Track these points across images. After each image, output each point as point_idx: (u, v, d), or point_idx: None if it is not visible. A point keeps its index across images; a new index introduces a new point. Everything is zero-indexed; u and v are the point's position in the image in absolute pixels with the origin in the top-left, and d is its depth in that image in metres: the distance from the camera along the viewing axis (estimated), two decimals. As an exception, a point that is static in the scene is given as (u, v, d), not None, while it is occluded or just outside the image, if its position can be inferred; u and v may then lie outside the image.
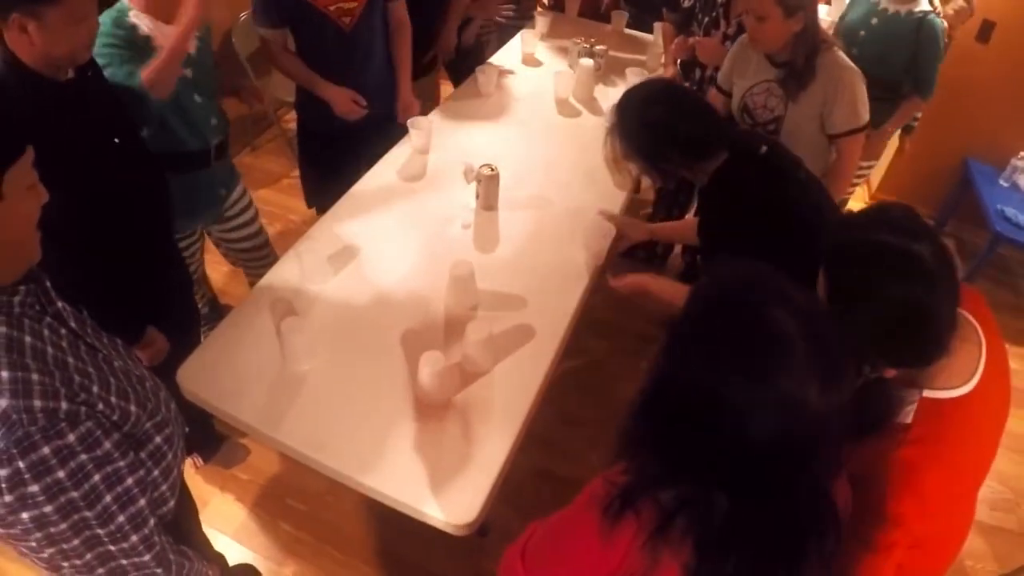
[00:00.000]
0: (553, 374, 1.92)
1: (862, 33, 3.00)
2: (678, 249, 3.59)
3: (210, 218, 2.48)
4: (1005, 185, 3.81)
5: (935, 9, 2.89)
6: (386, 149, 2.64)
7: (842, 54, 2.26)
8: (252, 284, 2.65)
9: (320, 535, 2.45)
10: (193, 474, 2.58)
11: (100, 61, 1.86)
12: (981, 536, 2.72)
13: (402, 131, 2.68)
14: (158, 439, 1.30)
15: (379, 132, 2.72)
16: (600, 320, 3.20)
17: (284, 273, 2.09)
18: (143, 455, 1.25)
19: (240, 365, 1.82)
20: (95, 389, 1.13)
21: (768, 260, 0.99)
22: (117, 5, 2.00)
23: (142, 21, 1.99)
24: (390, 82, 2.80)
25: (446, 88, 3.55)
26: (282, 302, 1.98)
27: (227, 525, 2.47)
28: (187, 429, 1.48)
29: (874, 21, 2.98)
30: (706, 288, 1.01)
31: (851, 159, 2.36)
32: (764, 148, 1.87)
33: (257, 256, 2.70)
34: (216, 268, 3.37)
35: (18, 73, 1.58)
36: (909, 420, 1.24)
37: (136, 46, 1.96)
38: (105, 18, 1.92)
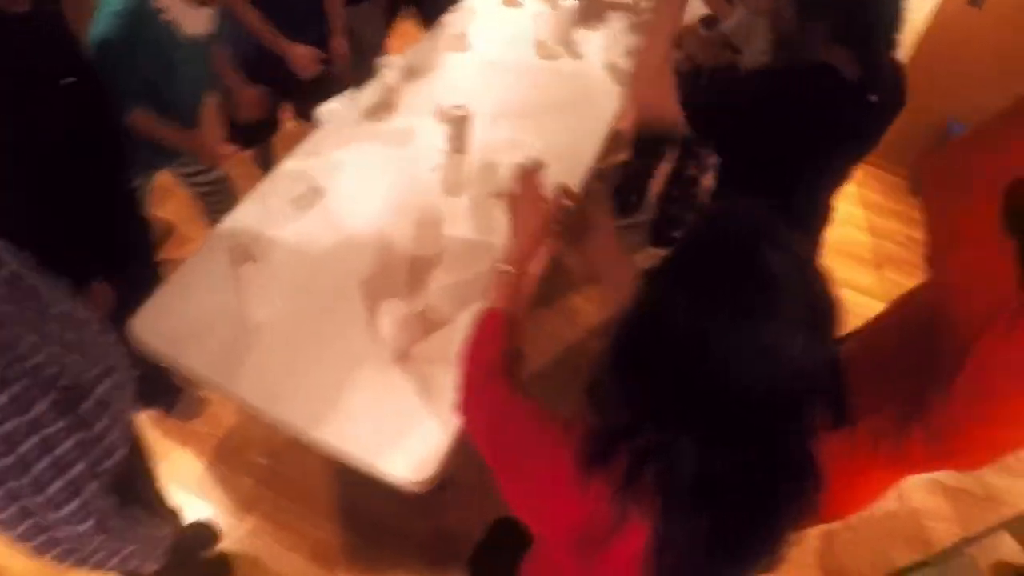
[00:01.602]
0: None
1: None
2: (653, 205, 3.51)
3: (168, 164, 2.37)
4: (988, 148, 3.76)
5: None
6: (309, 85, 2.62)
7: None
8: (213, 223, 2.55)
9: (280, 490, 2.40)
10: (152, 427, 2.50)
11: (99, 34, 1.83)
12: (944, 497, 2.74)
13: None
14: (103, 387, 1.23)
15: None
16: (569, 269, 3.14)
17: (244, 217, 1.99)
18: (86, 406, 1.17)
19: (195, 314, 1.73)
20: (32, 338, 1.05)
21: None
22: None
23: (171, 2, 1.92)
24: (316, 12, 2.74)
25: (407, 26, 3.44)
26: (241, 247, 1.87)
27: (187, 479, 2.40)
28: (138, 373, 1.41)
29: None
30: (702, 226, 0.96)
31: None
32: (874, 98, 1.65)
33: (214, 191, 2.61)
34: (174, 211, 3.25)
35: None
36: None
37: (153, 42, 1.91)
38: None
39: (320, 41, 2.74)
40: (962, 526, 2.64)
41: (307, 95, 2.76)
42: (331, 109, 2.26)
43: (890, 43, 1.64)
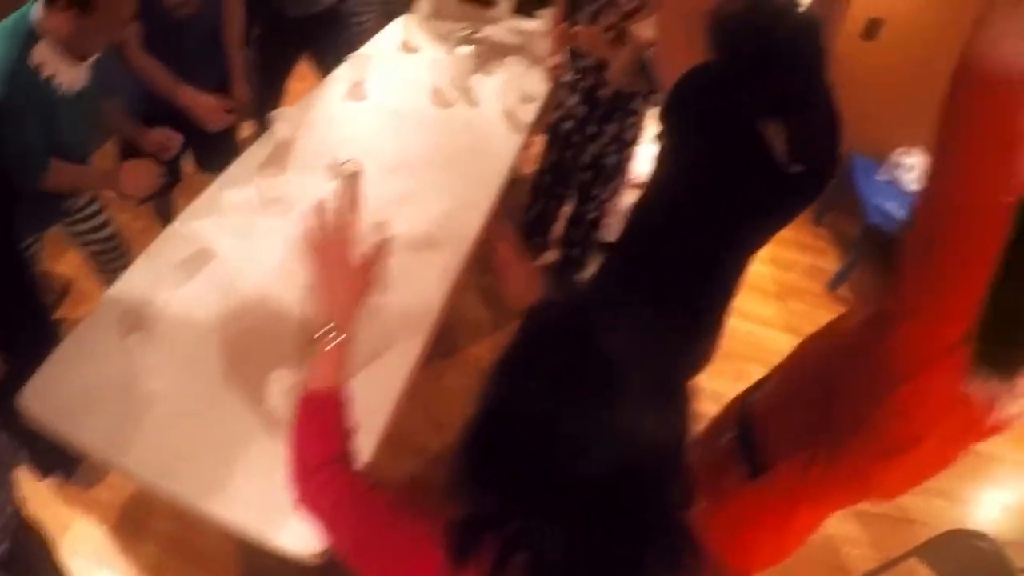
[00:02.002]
0: (420, 377, 1.86)
1: None
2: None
3: (57, 221, 2.29)
4: (884, 179, 3.89)
5: None
6: (207, 133, 2.57)
7: None
8: (107, 282, 2.48)
9: (187, 557, 2.33)
10: (53, 496, 2.41)
11: None
12: (858, 522, 2.80)
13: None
14: None
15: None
16: (471, 319, 3.14)
17: (134, 281, 1.94)
18: None
19: (84, 386, 1.68)
20: None
21: None
22: (18, 25, 1.82)
23: (48, 58, 1.84)
24: (213, 57, 2.68)
25: (304, 71, 3.42)
26: (129, 316, 1.83)
27: (90, 549, 2.31)
28: (15, 463, 1.36)
29: None
30: (537, 315, 0.96)
31: None
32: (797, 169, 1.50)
33: (105, 249, 2.53)
34: (72, 266, 3.15)
35: None
36: None
37: (37, 99, 1.85)
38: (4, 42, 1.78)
39: (220, 83, 2.68)
40: (877, 550, 2.69)
41: (207, 143, 2.71)
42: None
43: (820, 96, 1.53)
